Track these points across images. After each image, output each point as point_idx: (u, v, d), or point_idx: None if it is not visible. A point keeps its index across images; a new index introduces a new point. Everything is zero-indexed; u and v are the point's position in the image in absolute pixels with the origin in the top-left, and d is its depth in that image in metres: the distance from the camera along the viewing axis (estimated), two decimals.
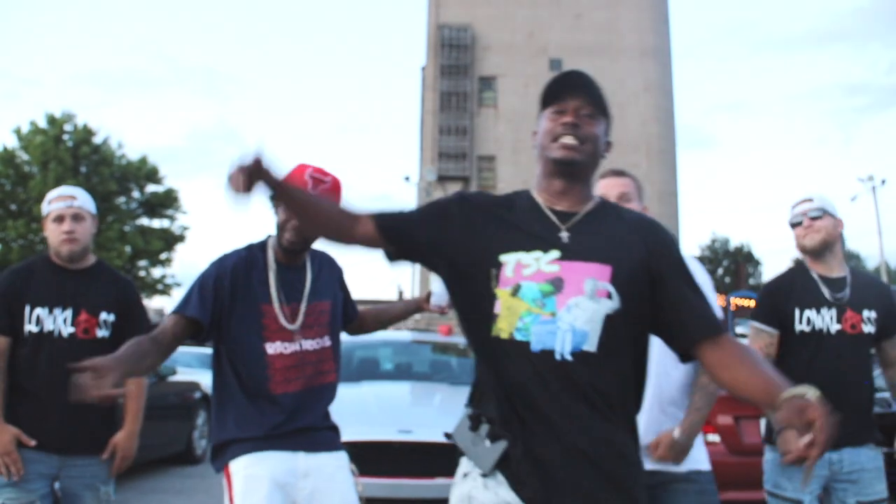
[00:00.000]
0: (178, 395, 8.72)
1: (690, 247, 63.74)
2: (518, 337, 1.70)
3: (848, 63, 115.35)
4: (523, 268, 1.74)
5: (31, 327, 2.89)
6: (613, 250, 1.76)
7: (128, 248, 29.29)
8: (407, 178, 40.86)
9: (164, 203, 31.87)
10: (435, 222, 1.86)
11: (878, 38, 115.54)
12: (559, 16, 47.18)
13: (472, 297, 1.80)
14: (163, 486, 7.61)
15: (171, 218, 32.30)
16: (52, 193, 3.03)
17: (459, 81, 46.49)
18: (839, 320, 3.07)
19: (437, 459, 4.32)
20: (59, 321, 2.91)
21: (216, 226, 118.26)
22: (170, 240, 31.27)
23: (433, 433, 4.39)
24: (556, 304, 1.70)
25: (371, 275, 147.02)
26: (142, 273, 31.40)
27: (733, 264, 58.17)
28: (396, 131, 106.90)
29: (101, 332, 2.97)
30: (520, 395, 1.71)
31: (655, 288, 1.77)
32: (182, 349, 12.61)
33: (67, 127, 30.24)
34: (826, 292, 3.10)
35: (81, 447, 2.92)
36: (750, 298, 43.45)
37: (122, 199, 31.23)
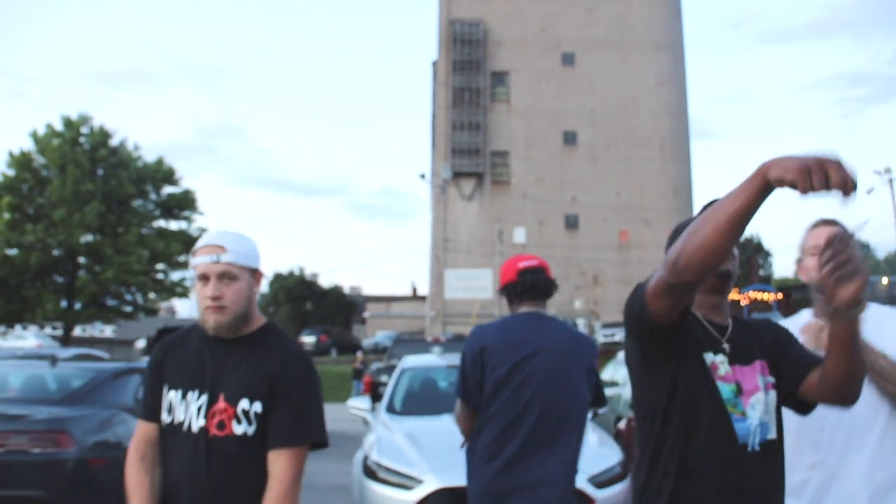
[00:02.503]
0: None
1: None
2: None
3: (851, 53, 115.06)
4: (717, 368, 1.95)
5: (164, 415, 2.24)
6: (763, 348, 2.04)
7: (146, 252, 29.19)
8: (422, 176, 40.65)
9: (181, 205, 31.78)
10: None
11: (881, 28, 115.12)
12: (571, 10, 46.84)
13: (682, 393, 1.94)
14: None
15: (189, 219, 32.22)
16: (200, 241, 2.30)
17: (472, 77, 46.26)
18: None
19: None
20: (191, 410, 2.18)
21: (222, 223, 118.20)
22: (188, 242, 31.19)
23: None
24: (742, 403, 1.94)
25: (385, 272, 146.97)
26: (160, 276, 31.41)
27: (743, 256, 57.83)
28: (407, 127, 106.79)
29: (241, 428, 2.15)
30: (723, 488, 1.89)
31: (782, 365, 2.02)
32: None
33: (84, 129, 30.14)
34: None
35: None
36: (764, 291, 43.15)
37: (138, 202, 31.15)
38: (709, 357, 1.95)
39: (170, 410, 2.21)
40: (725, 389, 1.92)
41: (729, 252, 1.67)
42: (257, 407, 2.16)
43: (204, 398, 2.17)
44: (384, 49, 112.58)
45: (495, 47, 46.78)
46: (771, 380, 1.99)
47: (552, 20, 46.70)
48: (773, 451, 1.94)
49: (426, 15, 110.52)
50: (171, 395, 2.22)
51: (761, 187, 1.53)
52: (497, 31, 46.81)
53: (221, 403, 2.16)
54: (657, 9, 47.36)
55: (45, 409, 5.45)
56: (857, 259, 1.60)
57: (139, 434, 2.31)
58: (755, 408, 1.93)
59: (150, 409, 2.29)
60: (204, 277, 2.20)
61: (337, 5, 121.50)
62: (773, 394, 1.97)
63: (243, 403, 2.16)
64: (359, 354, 23.08)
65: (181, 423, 2.18)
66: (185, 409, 2.18)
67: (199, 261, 2.21)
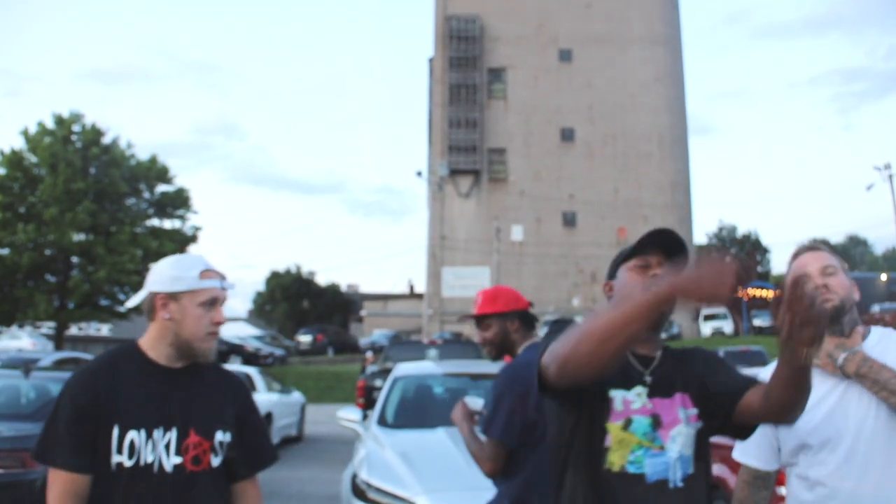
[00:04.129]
0: None
1: (698, 236, 63.18)
2: (631, 470, 1.82)
3: (846, 49, 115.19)
4: (630, 403, 1.87)
5: (121, 459, 1.99)
6: (686, 381, 1.95)
7: (139, 251, 28.83)
8: (419, 174, 40.33)
9: (175, 203, 31.42)
10: None
11: (876, 24, 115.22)
12: (568, 5, 46.57)
13: (582, 431, 1.88)
14: None
15: (182, 218, 31.87)
16: (198, 263, 2.16)
17: (468, 73, 45.98)
18: None
19: None
20: (160, 448, 2.01)
21: (219, 221, 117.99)
22: (182, 241, 30.87)
23: None
24: (661, 436, 1.86)
25: (383, 270, 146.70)
26: None
27: (742, 252, 57.68)
28: (404, 124, 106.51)
29: (217, 460, 2.11)
30: None
31: (711, 392, 1.93)
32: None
33: (76, 127, 29.77)
34: None
35: None
36: (762, 288, 43.06)
37: (131, 201, 30.79)
38: (618, 394, 1.88)
39: (131, 453, 2.00)
40: (642, 423, 1.86)
41: (621, 358, 1.70)
42: (227, 437, 2.14)
43: (172, 434, 2.05)
44: (380, 46, 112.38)
45: (492, 43, 46.50)
46: (694, 412, 1.92)
47: (549, 16, 46.42)
48: (695, 485, 1.87)
49: (422, 11, 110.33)
50: (133, 436, 2.01)
51: (668, 304, 1.60)
52: (494, 27, 46.52)
53: (194, 437, 2.07)
54: (654, 4, 47.10)
55: (13, 426, 5.15)
56: (815, 302, 1.55)
57: (65, 491, 1.97)
58: (675, 440, 1.87)
59: (81, 457, 1.98)
60: (213, 302, 2.13)
61: (333, 2, 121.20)
62: (695, 426, 1.91)
63: (219, 435, 2.12)
64: (369, 354, 22.80)
65: (150, 465, 2.01)
66: (153, 448, 2.02)
67: (210, 284, 2.13)
